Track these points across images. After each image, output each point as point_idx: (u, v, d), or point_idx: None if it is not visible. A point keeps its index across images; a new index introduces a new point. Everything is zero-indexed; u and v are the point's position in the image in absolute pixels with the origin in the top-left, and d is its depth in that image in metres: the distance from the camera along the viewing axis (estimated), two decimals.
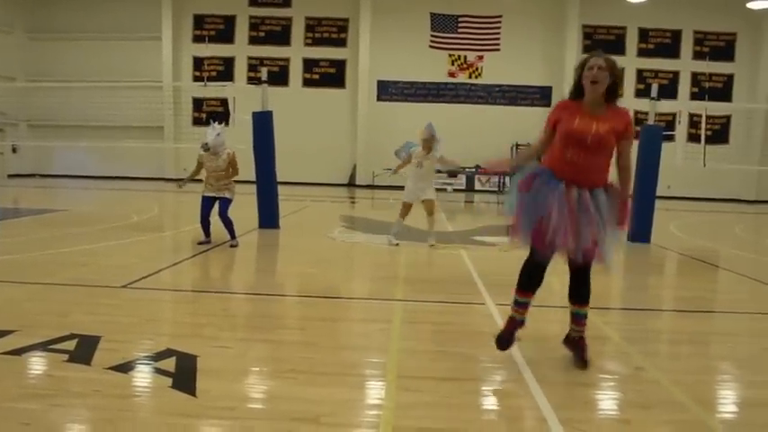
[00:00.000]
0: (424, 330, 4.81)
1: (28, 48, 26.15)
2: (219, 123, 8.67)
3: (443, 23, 25.07)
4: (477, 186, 25.36)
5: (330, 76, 25.71)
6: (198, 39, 25.53)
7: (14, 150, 24.89)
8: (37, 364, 3.80)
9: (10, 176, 24.83)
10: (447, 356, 4.11)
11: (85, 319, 4.72)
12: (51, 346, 4.02)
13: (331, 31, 25.62)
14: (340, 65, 25.67)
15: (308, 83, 25.66)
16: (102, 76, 24.14)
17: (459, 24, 25.06)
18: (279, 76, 23.81)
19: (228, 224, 8.55)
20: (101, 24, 25.51)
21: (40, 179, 24.27)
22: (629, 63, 24.62)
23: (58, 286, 5.96)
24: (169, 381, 3.50)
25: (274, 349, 4.23)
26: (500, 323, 4.85)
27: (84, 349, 3.96)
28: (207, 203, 8.60)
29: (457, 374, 3.78)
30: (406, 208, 9.13)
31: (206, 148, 8.41)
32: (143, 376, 3.62)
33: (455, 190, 24.56)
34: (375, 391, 3.54)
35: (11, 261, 7.39)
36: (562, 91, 24.80)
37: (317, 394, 3.39)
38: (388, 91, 25.56)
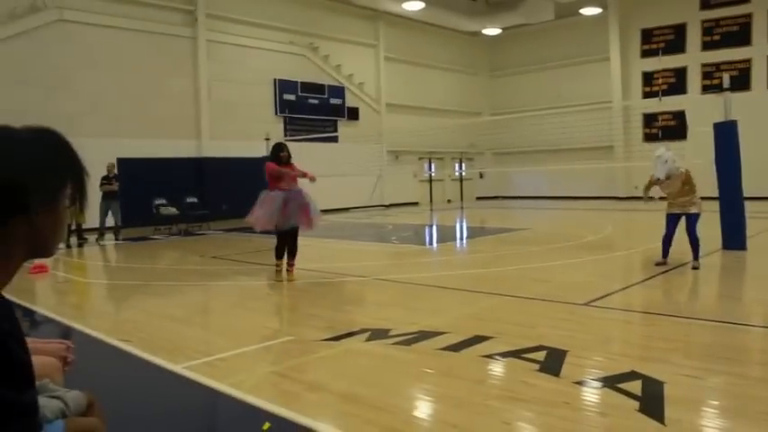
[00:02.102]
0: None
1: (490, 85, 29.79)
2: (664, 150, 8.30)
3: None
4: None
5: None
6: (646, 53, 24.94)
7: (481, 176, 28.70)
8: (512, 369, 4.31)
9: (477, 199, 28.46)
10: None
11: (551, 333, 5.13)
12: (523, 355, 4.50)
13: None
14: None
15: None
16: (553, 103, 25.71)
17: None
18: (738, 81, 21.38)
19: (695, 243, 8.11)
20: (551, 55, 27.28)
21: (502, 200, 27.12)
22: None
23: (524, 299, 6.62)
24: (635, 404, 3.53)
25: (743, 385, 3.87)
26: None
27: (552, 361, 4.32)
28: (672, 220, 8.34)
29: None
30: None
31: (659, 182, 8.20)
32: (609, 395, 3.73)
33: None
34: None
35: (483, 274, 8.54)
36: None
37: None
38: None
